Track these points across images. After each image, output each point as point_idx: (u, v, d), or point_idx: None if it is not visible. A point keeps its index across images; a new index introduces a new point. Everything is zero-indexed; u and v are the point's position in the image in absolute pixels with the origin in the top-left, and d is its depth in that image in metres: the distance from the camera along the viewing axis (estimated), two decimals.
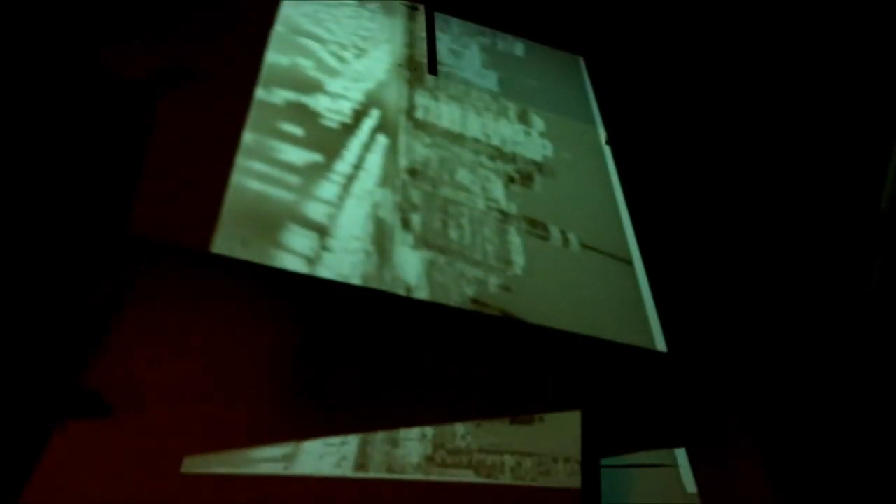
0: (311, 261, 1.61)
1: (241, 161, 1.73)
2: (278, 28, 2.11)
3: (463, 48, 2.30)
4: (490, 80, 2.22)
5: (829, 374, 2.09)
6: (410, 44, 2.23)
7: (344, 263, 1.63)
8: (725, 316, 2.13)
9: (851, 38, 2.46)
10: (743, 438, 1.85)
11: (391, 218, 1.74)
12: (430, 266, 1.69)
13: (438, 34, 2.32)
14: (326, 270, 1.62)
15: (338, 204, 1.73)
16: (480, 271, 1.72)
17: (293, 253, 1.61)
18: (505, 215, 1.85)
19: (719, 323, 2.10)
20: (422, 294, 1.65)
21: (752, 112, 2.59)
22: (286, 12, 2.19)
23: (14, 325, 1.71)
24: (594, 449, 1.63)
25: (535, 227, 1.85)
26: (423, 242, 1.72)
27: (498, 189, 1.90)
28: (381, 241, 1.69)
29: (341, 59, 2.07)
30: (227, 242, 1.59)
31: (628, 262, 1.93)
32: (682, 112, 2.61)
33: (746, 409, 1.91)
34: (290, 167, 1.76)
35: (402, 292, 1.65)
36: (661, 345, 1.83)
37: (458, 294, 1.67)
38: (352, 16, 2.25)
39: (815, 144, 2.49)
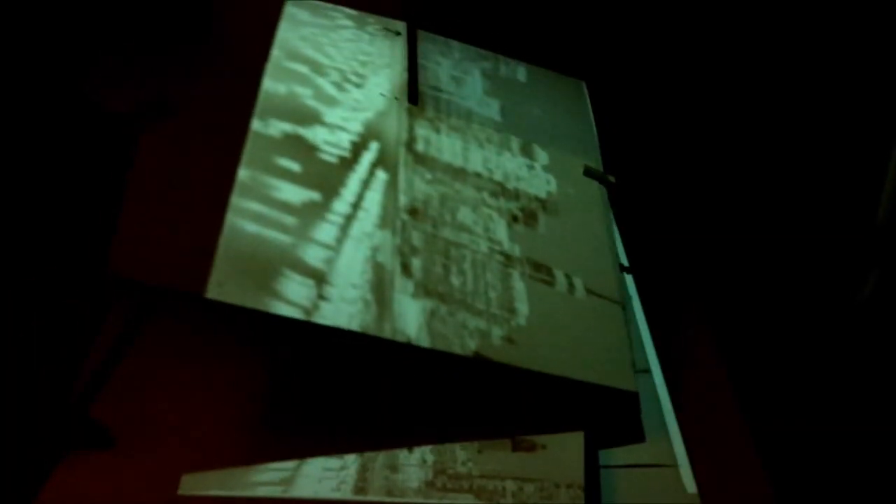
0: (307, 311, 1.55)
1: (237, 200, 1.66)
2: (275, 52, 2.04)
3: (464, 74, 2.23)
4: (492, 109, 2.15)
5: (827, 378, 2.07)
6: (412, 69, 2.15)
7: (342, 314, 1.57)
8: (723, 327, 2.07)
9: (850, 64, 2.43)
10: (743, 439, 1.82)
11: (391, 263, 1.68)
12: (431, 316, 1.62)
13: (439, 59, 2.25)
14: (324, 322, 1.56)
15: (336, 247, 1.66)
16: (483, 321, 1.65)
17: (290, 304, 1.55)
18: (508, 258, 1.78)
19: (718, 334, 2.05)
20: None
21: (749, 126, 2.55)
22: (283, 35, 2.11)
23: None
24: (596, 471, 1.62)
25: (540, 272, 1.79)
26: (423, 290, 1.66)
27: (501, 229, 1.83)
28: (380, 288, 1.63)
29: (340, 87, 2.00)
30: (221, 292, 1.53)
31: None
32: (679, 131, 2.57)
33: (748, 412, 1.88)
34: (287, 207, 1.69)
35: None
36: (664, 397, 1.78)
37: (460, 347, 1.62)
38: (351, 39, 2.18)
39: (814, 157, 2.45)
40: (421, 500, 1.51)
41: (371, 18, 2.30)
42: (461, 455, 1.57)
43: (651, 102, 2.60)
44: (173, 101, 2.19)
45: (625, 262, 2.06)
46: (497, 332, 1.64)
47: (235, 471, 1.53)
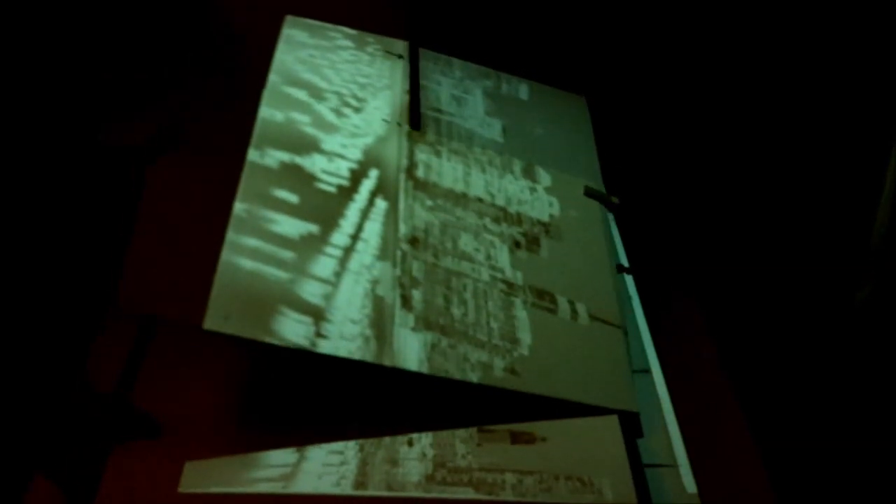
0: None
1: (232, 236, 1.64)
2: (272, 77, 2.01)
3: (466, 93, 2.21)
4: (494, 130, 2.12)
5: (825, 379, 2.06)
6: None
7: (341, 352, 1.55)
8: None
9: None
10: (743, 439, 1.82)
11: (391, 296, 1.66)
12: (432, 350, 1.61)
13: (440, 79, 2.23)
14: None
15: (334, 282, 1.64)
16: (485, 353, 1.64)
17: (287, 343, 1.52)
18: (510, 286, 1.76)
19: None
20: None
21: (747, 131, 2.53)
22: (281, 58, 2.09)
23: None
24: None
25: (542, 299, 1.76)
26: (423, 323, 1.64)
27: (503, 256, 1.81)
28: (379, 323, 1.61)
29: (338, 113, 1.98)
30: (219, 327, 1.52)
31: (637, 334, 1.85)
32: (680, 135, 2.55)
33: (747, 412, 1.88)
34: (285, 241, 1.67)
35: None
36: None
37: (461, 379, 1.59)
38: (350, 60, 2.16)
39: (813, 161, 2.44)
40: (421, 494, 1.50)
41: (371, 38, 2.28)
42: (461, 448, 1.56)
43: (649, 108, 2.57)
44: (179, 133, 2.19)
45: (625, 262, 2.03)
46: (499, 364, 1.62)
47: (236, 468, 1.51)
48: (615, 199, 2.06)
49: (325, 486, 1.50)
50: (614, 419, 1.62)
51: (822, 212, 2.34)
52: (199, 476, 1.51)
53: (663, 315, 1.97)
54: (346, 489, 1.49)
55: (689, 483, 1.64)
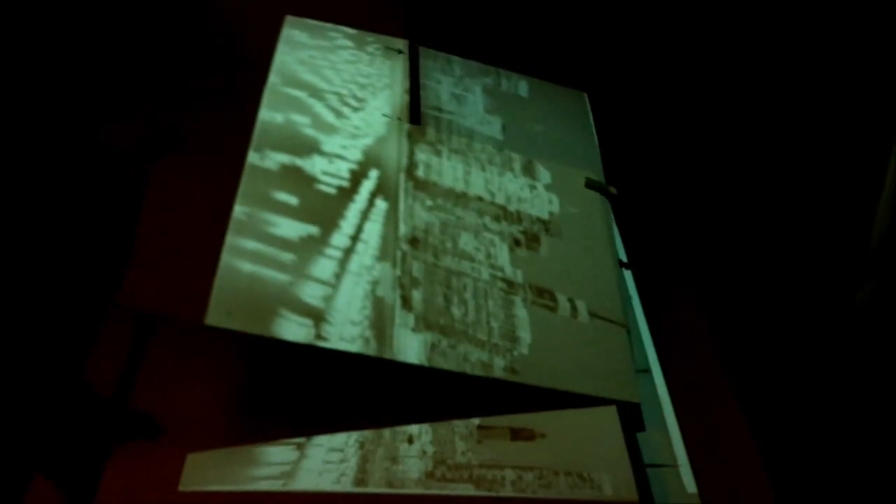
0: None
1: (232, 238, 1.64)
2: (272, 79, 2.02)
3: (465, 91, 2.21)
4: (494, 128, 2.13)
5: (826, 378, 2.07)
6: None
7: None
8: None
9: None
10: (743, 439, 1.82)
11: (391, 296, 1.66)
12: (432, 350, 1.61)
13: (440, 77, 2.23)
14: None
15: (334, 284, 1.65)
16: (485, 353, 1.64)
17: None
18: (510, 285, 1.77)
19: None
20: None
21: (749, 130, 2.53)
22: (281, 59, 2.09)
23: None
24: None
25: (542, 297, 1.77)
26: (424, 323, 1.64)
27: (503, 254, 1.82)
28: (379, 324, 1.62)
29: (338, 113, 1.99)
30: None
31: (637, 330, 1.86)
32: (680, 135, 2.54)
33: (748, 412, 1.88)
34: (284, 243, 1.68)
35: None
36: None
37: None
38: (350, 60, 2.16)
39: (813, 160, 2.44)
40: (421, 491, 1.50)
41: (371, 37, 2.28)
42: (461, 445, 1.56)
43: (651, 107, 2.57)
44: (179, 133, 2.19)
45: (624, 259, 2.04)
46: (499, 363, 1.63)
47: (236, 465, 1.52)
48: (613, 190, 2.06)
49: (326, 484, 1.50)
50: (614, 415, 1.62)
51: (823, 212, 2.33)
52: (199, 474, 1.51)
53: (663, 315, 1.97)
54: (347, 486, 1.50)
55: (689, 483, 1.64)
